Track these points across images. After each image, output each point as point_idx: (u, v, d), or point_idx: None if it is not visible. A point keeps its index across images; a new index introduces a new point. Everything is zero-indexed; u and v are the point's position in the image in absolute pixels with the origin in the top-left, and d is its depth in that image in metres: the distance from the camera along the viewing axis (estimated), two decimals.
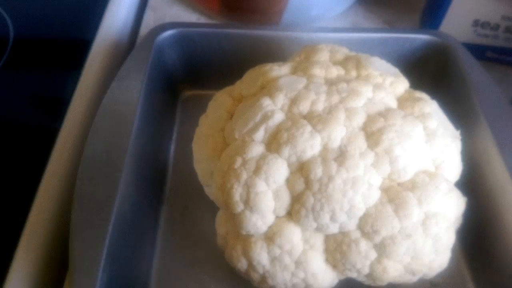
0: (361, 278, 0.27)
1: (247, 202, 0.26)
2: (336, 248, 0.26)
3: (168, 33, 0.39)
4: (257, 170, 0.26)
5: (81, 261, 0.24)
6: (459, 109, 0.36)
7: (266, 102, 0.28)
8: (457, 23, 0.47)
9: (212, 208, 0.35)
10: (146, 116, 0.34)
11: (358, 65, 0.30)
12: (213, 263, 0.32)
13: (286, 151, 0.26)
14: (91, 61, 0.44)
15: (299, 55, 0.33)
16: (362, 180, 0.24)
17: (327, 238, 0.26)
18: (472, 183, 0.32)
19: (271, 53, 0.41)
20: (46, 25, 0.49)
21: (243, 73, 0.35)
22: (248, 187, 0.26)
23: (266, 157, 0.26)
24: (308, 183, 0.25)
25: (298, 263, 0.26)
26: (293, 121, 0.26)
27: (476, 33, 0.48)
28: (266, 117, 0.27)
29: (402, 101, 0.29)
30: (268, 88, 0.29)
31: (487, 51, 0.49)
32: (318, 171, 0.25)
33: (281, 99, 0.27)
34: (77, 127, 0.39)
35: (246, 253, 0.27)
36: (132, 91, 0.34)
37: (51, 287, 0.32)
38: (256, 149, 0.26)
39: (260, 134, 0.27)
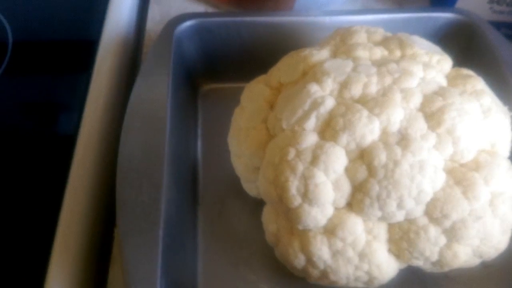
0: (427, 266, 0.25)
1: (305, 194, 0.24)
2: (402, 237, 0.24)
3: (187, 24, 0.37)
4: (314, 160, 0.24)
5: (137, 271, 0.23)
6: (492, 87, 0.35)
7: (314, 88, 0.26)
8: (473, 1, 0.46)
9: (249, 204, 0.33)
10: (174, 113, 0.32)
11: (402, 45, 0.29)
12: (259, 262, 0.31)
13: (343, 138, 0.24)
14: (101, 61, 0.42)
15: (333, 38, 0.32)
16: (428, 163, 0.23)
17: (391, 227, 0.25)
18: None
19: (293, 40, 0.39)
20: (47, 28, 0.47)
21: (264, 62, 0.33)
22: (306, 178, 0.24)
23: (323, 146, 0.24)
24: (371, 170, 0.23)
25: (362, 255, 0.25)
26: (346, 106, 0.25)
27: (492, 9, 0.47)
28: (316, 104, 0.25)
29: (452, 79, 0.28)
30: (312, 74, 0.27)
31: (502, 27, 0.48)
32: (382, 157, 0.23)
33: (330, 84, 0.26)
34: (96, 129, 0.37)
35: (305, 249, 0.25)
36: (159, 87, 0.32)
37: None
38: (310, 138, 0.25)
39: (311, 122, 0.25)
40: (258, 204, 0.31)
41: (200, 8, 0.50)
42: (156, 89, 0.32)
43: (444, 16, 0.40)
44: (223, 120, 0.33)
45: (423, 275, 0.29)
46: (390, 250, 0.25)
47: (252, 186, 0.31)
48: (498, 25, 0.48)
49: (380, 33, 0.31)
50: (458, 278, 0.30)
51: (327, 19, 0.39)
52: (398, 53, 0.29)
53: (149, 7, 0.50)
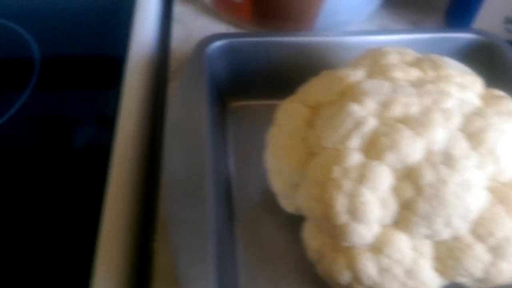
0: (471, 283, 0.26)
1: (352, 212, 0.25)
2: (449, 254, 0.25)
3: (217, 44, 0.38)
4: (360, 179, 0.25)
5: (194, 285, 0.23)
6: None
7: (355, 108, 0.27)
8: (489, 21, 0.48)
9: (284, 220, 0.34)
10: (210, 130, 0.33)
11: (435, 66, 0.30)
12: (298, 278, 0.31)
13: (389, 157, 0.25)
14: (130, 77, 0.43)
15: (364, 59, 0.33)
16: (473, 182, 0.24)
17: (437, 244, 0.25)
18: None
19: (320, 60, 0.40)
20: (73, 44, 0.48)
21: (291, 81, 0.34)
22: (353, 196, 0.25)
23: (369, 165, 0.25)
24: (418, 189, 0.24)
25: (408, 273, 0.25)
26: (389, 126, 0.26)
27: (508, 29, 0.48)
28: (358, 124, 0.26)
29: (486, 99, 0.28)
30: (351, 94, 0.28)
31: None
32: (428, 176, 0.24)
33: (371, 104, 0.27)
34: (129, 145, 0.37)
35: (351, 266, 0.26)
36: (195, 105, 0.33)
37: None
38: (355, 157, 0.26)
39: (355, 142, 0.26)
40: (293, 221, 0.32)
41: (222, 27, 0.51)
42: (192, 107, 0.32)
43: (464, 36, 0.41)
44: (252, 136, 0.34)
45: None
46: (435, 267, 0.26)
47: (289, 202, 0.31)
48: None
49: (411, 54, 0.32)
50: None
51: (351, 39, 0.40)
52: (432, 74, 0.30)
53: (173, 26, 0.51)
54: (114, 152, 0.36)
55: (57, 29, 0.49)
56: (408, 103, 0.26)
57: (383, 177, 0.25)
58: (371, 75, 0.30)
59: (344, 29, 0.51)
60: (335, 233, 0.26)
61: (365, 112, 0.27)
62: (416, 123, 0.25)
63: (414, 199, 0.24)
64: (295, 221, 0.31)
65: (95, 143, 0.38)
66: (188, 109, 0.32)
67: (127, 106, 0.40)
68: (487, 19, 0.48)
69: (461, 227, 0.24)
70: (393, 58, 0.32)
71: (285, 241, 0.32)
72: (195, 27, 0.51)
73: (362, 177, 0.25)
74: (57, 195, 0.34)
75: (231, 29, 0.51)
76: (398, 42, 0.40)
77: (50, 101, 0.41)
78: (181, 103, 0.33)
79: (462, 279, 0.26)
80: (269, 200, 0.33)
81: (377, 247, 0.25)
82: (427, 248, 0.25)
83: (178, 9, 0.53)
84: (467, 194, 0.24)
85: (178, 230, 0.25)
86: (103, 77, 0.44)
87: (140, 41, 0.47)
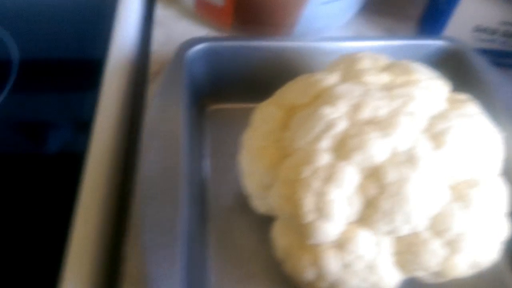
0: (427, 277, 0.27)
1: (319, 210, 0.26)
2: (407, 249, 0.26)
3: (197, 47, 0.39)
4: (328, 178, 0.26)
5: (160, 285, 0.24)
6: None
7: (327, 111, 0.28)
8: (459, 29, 0.50)
9: (256, 221, 0.35)
10: (186, 132, 0.34)
11: (405, 71, 0.31)
12: (268, 277, 0.32)
13: (356, 157, 0.26)
14: (109, 80, 0.43)
15: (339, 64, 0.34)
16: (433, 181, 0.25)
17: (397, 240, 0.27)
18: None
19: (297, 64, 0.41)
20: (53, 46, 0.48)
21: (268, 85, 0.35)
22: (320, 195, 0.26)
23: (337, 165, 0.26)
24: (381, 187, 0.25)
25: (370, 267, 0.26)
26: (358, 127, 0.27)
27: (476, 38, 0.51)
28: (329, 126, 0.27)
29: (451, 103, 0.30)
30: (324, 97, 0.29)
31: (485, 54, 0.52)
32: (391, 175, 0.25)
33: (342, 107, 0.28)
34: (106, 147, 0.38)
35: (316, 263, 0.27)
36: (173, 107, 0.33)
37: None
38: (324, 158, 0.27)
39: (325, 143, 0.27)
40: (264, 222, 0.32)
41: (203, 31, 0.52)
42: (170, 110, 0.33)
43: (434, 43, 0.43)
44: (229, 139, 0.34)
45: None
46: (395, 262, 0.27)
47: (262, 203, 0.32)
48: (482, 52, 0.51)
49: (383, 60, 0.33)
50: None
51: (328, 45, 0.42)
52: (402, 79, 0.31)
53: (154, 29, 0.51)
54: (88, 158, 0.36)
55: (38, 31, 0.49)
56: (377, 106, 0.28)
57: (350, 177, 0.26)
58: (344, 79, 0.31)
59: (322, 34, 0.52)
60: (302, 232, 0.27)
61: (336, 115, 0.28)
62: (383, 125, 0.27)
63: (377, 197, 0.25)
64: (267, 222, 0.32)
65: (70, 148, 0.38)
66: (166, 112, 0.33)
67: (104, 110, 0.40)
68: (458, 28, 0.50)
69: (420, 223, 0.25)
70: (366, 63, 0.33)
71: (256, 241, 0.33)
72: (176, 30, 0.52)
73: (330, 176, 0.26)
74: (29, 201, 0.34)
75: (212, 33, 0.52)
76: (372, 48, 0.42)
77: (27, 105, 0.41)
78: (159, 106, 0.33)
79: (419, 273, 0.27)
80: (242, 202, 0.34)
81: (341, 244, 0.26)
82: (387, 244, 0.26)
83: (160, 12, 0.54)
84: (427, 192, 0.25)
85: (148, 230, 0.26)
86: (82, 80, 0.44)
87: (121, 43, 0.48)
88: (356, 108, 0.28)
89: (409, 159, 0.26)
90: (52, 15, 0.51)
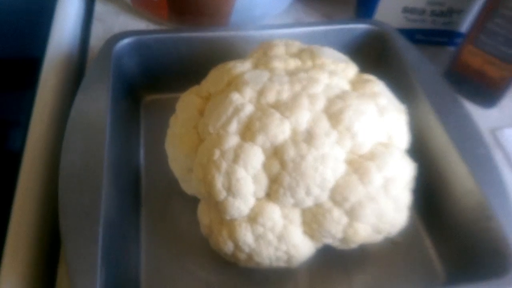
0: (336, 243, 0.30)
1: (229, 189, 0.28)
2: (312, 219, 0.29)
3: (125, 41, 0.40)
4: (235, 159, 0.28)
5: (78, 265, 0.25)
6: (400, 87, 0.40)
7: (235, 97, 0.30)
8: (389, 11, 0.52)
9: (189, 202, 0.37)
10: (114, 123, 0.35)
11: (312, 56, 0.33)
12: (198, 252, 0.34)
13: (260, 138, 0.28)
14: (45, 78, 0.44)
15: (257, 51, 0.36)
16: (329, 156, 0.28)
17: (304, 212, 0.29)
18: (419, 150, 0.36)
19: (226, 52, 0.43)
20: None
21: (200, 74, 0.37)
22: (229, 175, 0.28)
23: (242, 146, 0.28)
24: (283, 164, 0.28)
25: (280, 238, 0.29)
26: (262, 111, 0.29)
27: (406, 18, 0.53)
28: (237, 110, 0.29)
29: (354, 84, 0.32)
30: (234, 84, 0.31)
31: (416, 34, 0.54)
32: (290, 153, 0.27)
33: (249, 93, 0.30)
34: (42, 144, 0.38)
35: (232, 236, 0.29)
36: (98, 101, 0.35)
37: None
38: (232, 140, 0.29)
39: (233, 126, 0.29)
40: (196, 202, 0.34)
41: (143, 25, 0.53)
42: (96, 103, 0.35)
43: (359, 27, 0.45)
44: (163, 128, 0.36)
45: (342, 255, 0.33)
46: (304, 232, 0.29)
47: (188, 186, 0.34)
48: (413, 32, 0.54)
49: (296, 46, 0.35)
50: (372, 255, 0.35)
51: (257, 33, 0.44)
52: (309, 63, 0.33)
53: (93, 24, 0.52)
54: (24, 157, 0.37)
55: None
56: (281, 90, 0.30)
57: (255, 156, 0.28)
58: (256, 66, 0.33)
59: (259, 23, 0.54)
60: (218, 209, 0.29)
61: (244, 100, 0.30)
62: (285, 107, 0.29)
63: (280, 173, 0.28)
64: (196, 203, 0.34)
65: (5, 147, 0.38)
66: (91, 105, 0.34)
67: (40, 108, 0.41)
68: (388, 10, 0.52)
69: (321, 195, 0.28)
70: (279, 50, 0.35)
71: (188, 221, 0.35)
72: (115, 25, 0.53)
73: (237, 157, 0.28)
74: None
75: (151, 26, 0.53)
76: (300, 34, 0.44)
77: None
78: (85, 99, 0.35)
79: (327, 240, 0.29)
80: (175, 186, 0.36)
81: (253, 218, 0.28)
82: (295, 215, 0.29)
83: (100, 8, 0.55)
84: (323, 166, 0.27)
85: (68, 215, 0.27)
86: (20, 78, 0.45)
87: (59, 41, 0.48)
88: (261, 93, 0.30)
89: (307, 137, 0.28)
90: None
